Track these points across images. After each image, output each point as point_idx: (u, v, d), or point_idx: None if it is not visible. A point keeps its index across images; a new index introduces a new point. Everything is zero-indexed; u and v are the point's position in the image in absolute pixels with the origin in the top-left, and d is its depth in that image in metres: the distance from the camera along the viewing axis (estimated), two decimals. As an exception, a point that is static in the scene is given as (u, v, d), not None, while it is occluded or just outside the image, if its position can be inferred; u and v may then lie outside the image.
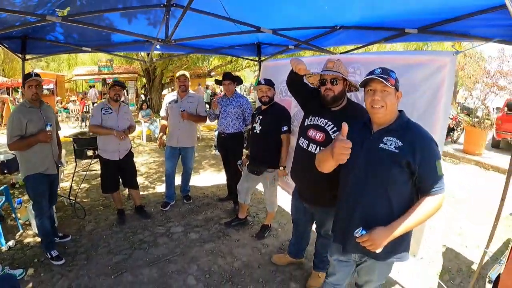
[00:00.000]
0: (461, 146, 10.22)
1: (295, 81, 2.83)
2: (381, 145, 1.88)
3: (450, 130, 10.64)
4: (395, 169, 1.83)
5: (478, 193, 6.18)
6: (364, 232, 1.82)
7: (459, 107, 13.81)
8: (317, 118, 2.63)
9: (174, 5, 2.67)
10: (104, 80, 19.98)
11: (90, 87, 20.20)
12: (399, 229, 1.80)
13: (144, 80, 18.86)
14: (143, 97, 20.10)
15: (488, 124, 9.64)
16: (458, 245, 4.16)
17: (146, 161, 7.90)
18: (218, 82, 4.95)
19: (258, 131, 3.72)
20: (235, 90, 4.58)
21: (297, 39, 3.78)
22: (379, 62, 2.82)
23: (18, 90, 16.77)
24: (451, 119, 10.53)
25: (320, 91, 2.57)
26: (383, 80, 1.78)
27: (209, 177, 6.71)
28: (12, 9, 2.72)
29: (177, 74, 4.66)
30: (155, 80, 15.32)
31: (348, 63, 2.98)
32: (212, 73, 18.76)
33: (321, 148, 2.53)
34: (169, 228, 4.25)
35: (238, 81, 4.64)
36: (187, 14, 2.84)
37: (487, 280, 2.52)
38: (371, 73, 1.88)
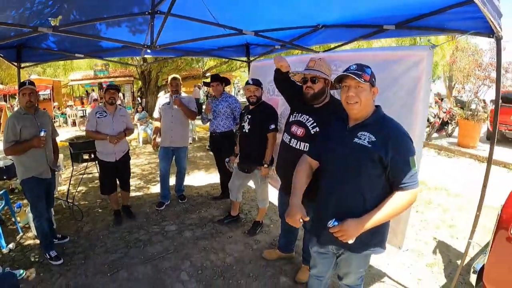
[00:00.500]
0: (455, 139, 10.24)
1: (280, 79, 2.94)
2: (356, 139, 1.93)
3: (444, 123, 10.67)
4: (367, 163, 1.88)
5: (471, 186, 6.16)
6: (336, 223, 1.87)
7: (455, 101, 13.82)
8: (300, 114, 2.74)
9: (158, 11, 2.78)
10: (100, 84, 19.99)
11: (87, 92, 20.24)
12: (370, 222, 1.84)
13: (140, 83, 18.90)
14: (139, 99, 20.14)
15: (483, 117, 9.61)
16: (449, 237, 4.20)
17: (142, 163, 8.01)
18: (206, 84, 5.08)
19: (246, 130, 3.81)
20: (223, 90, 4.72)
21: (281, 40, 3.89)
22: (360, 59, 2.85)
23: (15, 97, 16.86)
24: (444, 113, 10.58)
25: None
26: (355, 77, 1.84)
27: (204, 177, 6.82)
28: (6, 21, 2.87)
29: (169, 78, 4.81)
30: (151, 83, 15.39)
31: (330, 61, 3.06)
32: (207, 74, 18.81)
33: (302, 143, 2.65)
34: (164, 227, 4.36)
35: (226, 82, 4.78)
36: (174, 20, 2.96)
37: (472, 270, 2.59)
38: (347, 69, 1.93)
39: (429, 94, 2.74)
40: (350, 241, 1.87)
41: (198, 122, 11.25)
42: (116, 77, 20.88)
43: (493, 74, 9.99)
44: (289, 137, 2.76)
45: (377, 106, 2.02)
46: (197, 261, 3.57)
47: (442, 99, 14.42)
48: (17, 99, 15.40)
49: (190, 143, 10.15)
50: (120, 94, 17.81)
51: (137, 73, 16.74)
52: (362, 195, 1.92)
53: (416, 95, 2.65)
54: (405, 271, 3.44)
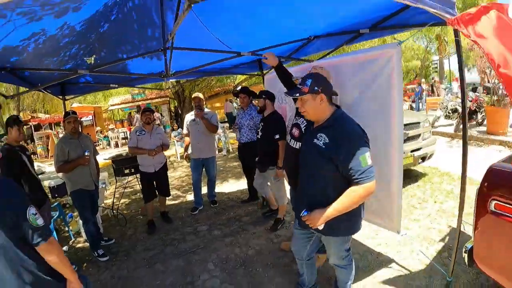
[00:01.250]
0: (486, 128, 9.77)
1: (280, 77, 3.31)
2: (315, 140, 2.18)
3: (473, 112, 10.31)
4: (323, 162, 2.14)
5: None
6: (306, 213, 2.23)
7: (482, 88, 13.21)
8: (299, 117, 3.13)
9: (168, 47, 3.38)
10: (138, 106, 20.99)
11: (130, 114, 21.48)
12: (330, 212, 2.10)
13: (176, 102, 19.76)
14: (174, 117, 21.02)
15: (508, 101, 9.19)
16: (464, 224, 4.11)
17: (179, 176, 8.69)
18: (235, 94, 5.53)
19: (259, 136, 4.32)
20: (250, 102, 5.11)
21: (280, 56, 4.29)
22: (343, 64, 3.23)
23: (60, 124, 18.44)
24: (471, 101, 10.23)
25: None
26: (287, 95, 2.25)
27: (235, 183, 7.32)
28: (49, 66, 3.61)
29: (193, 96, 5.37)
30: (185, 101, 16.15)
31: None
32: (238, 88, 19.31)
33: (297, 142, 3.03)
34: (196, 228, 4.88)
35: (253, 95, 5.12)
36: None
37: (464, 250, 2.69)
38: None
39: (402, 86, 2.90)
40: (320, 227, 2.21)
41: (232, 134, 11.85)
42: (153, 98, 21.91)
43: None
44: (290, 137, 3.18)
45: (337, 108, 2.25)
46: (223, 254, 4.02)
47: (476, 88, 13.93)
48: (61, 126, 16.97)
49: (225, 155, 10.74)
50: (158, 115, 18.86)
51: (172, 94, 17.60)
52: (323, 189, 2.21)
53: (391, 90, 2.84)
54: (414, 258, 3.57)
